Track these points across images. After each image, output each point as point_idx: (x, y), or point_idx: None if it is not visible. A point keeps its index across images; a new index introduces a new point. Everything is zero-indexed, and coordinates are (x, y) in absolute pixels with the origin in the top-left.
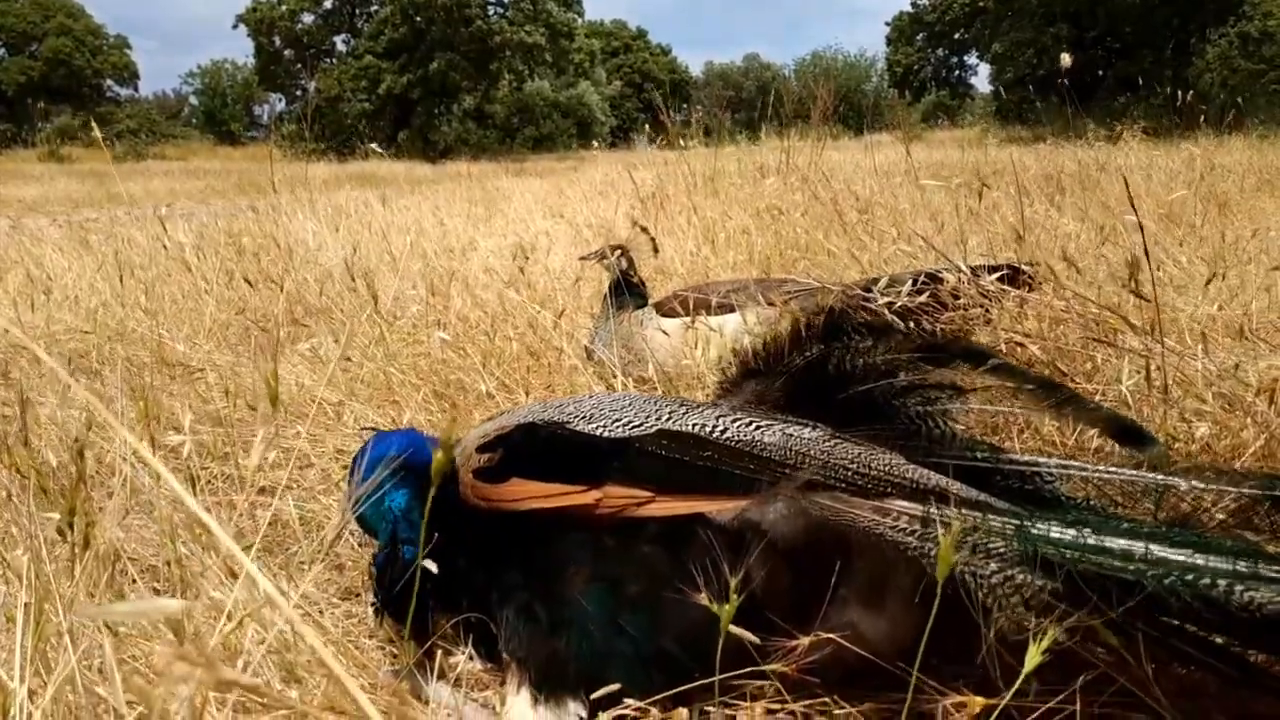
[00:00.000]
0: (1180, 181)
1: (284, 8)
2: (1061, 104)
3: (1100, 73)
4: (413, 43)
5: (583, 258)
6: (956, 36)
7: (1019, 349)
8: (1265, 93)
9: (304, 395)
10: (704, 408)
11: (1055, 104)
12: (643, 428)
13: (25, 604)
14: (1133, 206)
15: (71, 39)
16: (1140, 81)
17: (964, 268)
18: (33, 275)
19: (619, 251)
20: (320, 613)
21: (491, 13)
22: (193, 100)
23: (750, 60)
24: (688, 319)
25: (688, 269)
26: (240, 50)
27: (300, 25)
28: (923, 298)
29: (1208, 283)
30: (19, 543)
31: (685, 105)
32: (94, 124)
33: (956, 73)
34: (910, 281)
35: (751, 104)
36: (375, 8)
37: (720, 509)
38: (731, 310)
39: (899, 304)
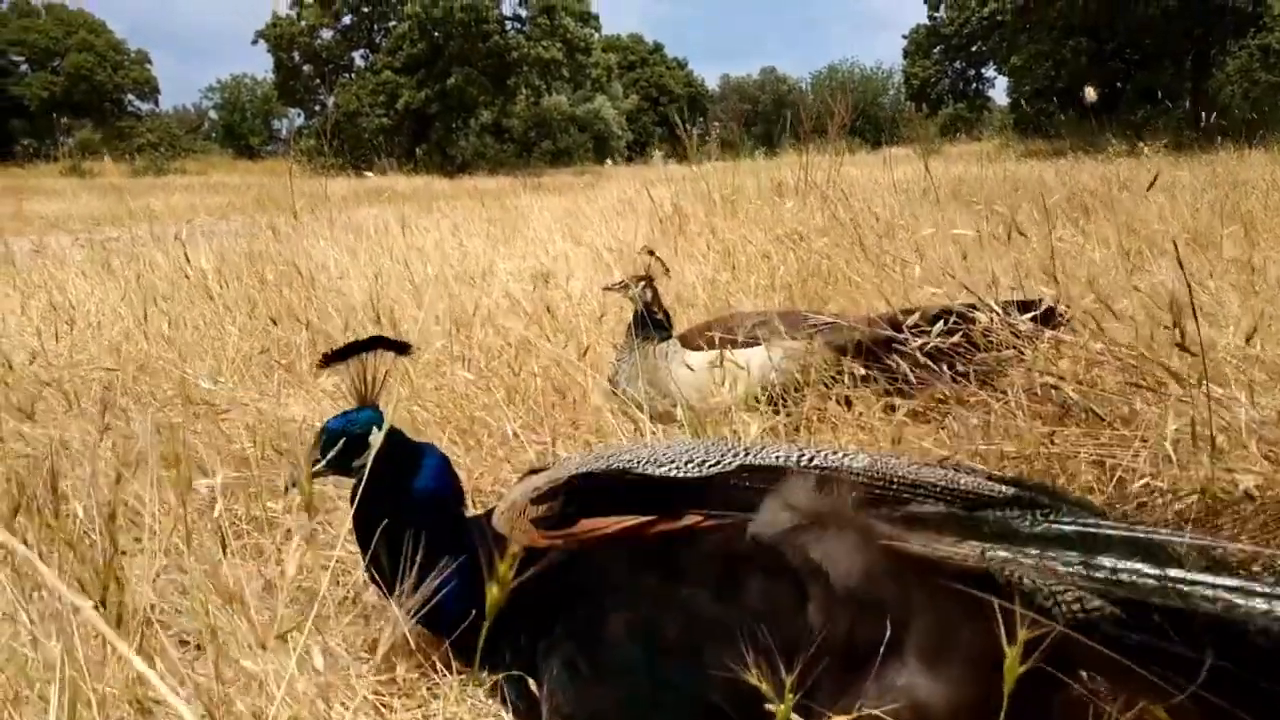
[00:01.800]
0: (1204, 200)
1: (303, 23)
2: (1080, 117)
3: (1119, 85)
4: (430, 58)
5: (606, 288)
6: (974, 49)
7: (1053, 390)
8: None
9: None
10: (775, 446)
11: (1074, 117)
12: (721, 465)
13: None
14: (1180, 263)
15: (93, 54)
16: (1160, 94)
17: (995, 306)
18: (56, 302)
19: (643, 283)
20: (349, 675)
21: (509, 28)
22: (212, 114)
23: (767, 74)
24: (713, 354)
25: (708, 295)
26: (259, 65)
27: (319, 41)
28: (954, 338)
29: (1248, 339)
30: (49, 624)
31: (701, 119)
32: (116, 141)
33: (974, 86)
34: (940, 321)
35: (768, 117)
36: (393, 23)
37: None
38: (757, 344)
39: (929, 345)
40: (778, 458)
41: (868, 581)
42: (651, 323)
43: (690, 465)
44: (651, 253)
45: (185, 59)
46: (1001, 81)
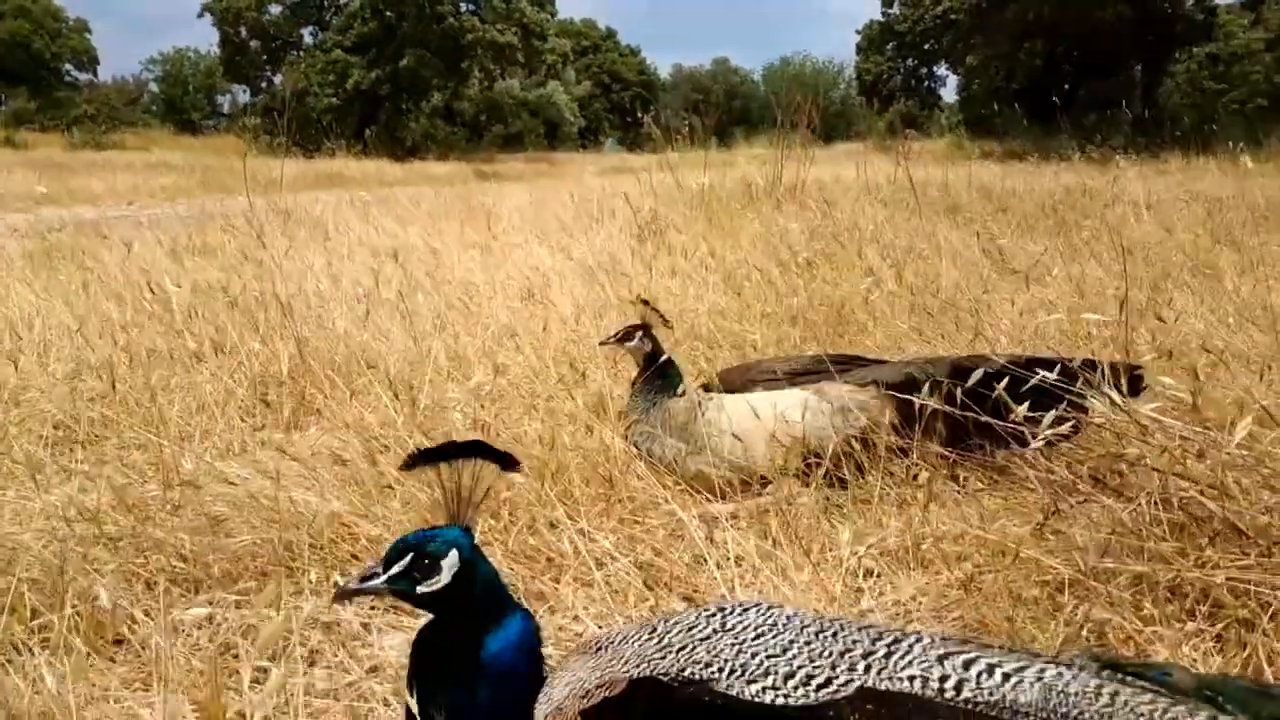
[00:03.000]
0: (1183, 218)
1: None
2: (1031, 119)
3: (1067, 88)
4: (382, 38)
5: (603, 343)
6: (927, 47)
7: (1193, 503)
8: (1227, 112)
9: (337, 527)
10: (906, 639)
11: (1023, 118)
12: (835, 684)
13: None
14: None
15: (29, 21)
16: (1110, 100)
17: (1108, 388)
18: None
19: (640, 331)
20: None
21: (464, 10)
22: (153, 87)
23: (719, 64)
24: (756, 399)
25: (714, 325)
26: (204, 39)
27: (267, 16)
28: (1064, 427)
29: None
30: None
31: (652, 107)
32: (52, 111)
33: (926, 84)
34: (1052, 415)
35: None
36: (345, 2)
37: None
38: (804, 391)
39: (1041, 437)
40: (912, 679)
41: None
42: (660, 372)
43: (790, 680)
44: (646, 303)
45: (126, 29)
46: (953, 80)
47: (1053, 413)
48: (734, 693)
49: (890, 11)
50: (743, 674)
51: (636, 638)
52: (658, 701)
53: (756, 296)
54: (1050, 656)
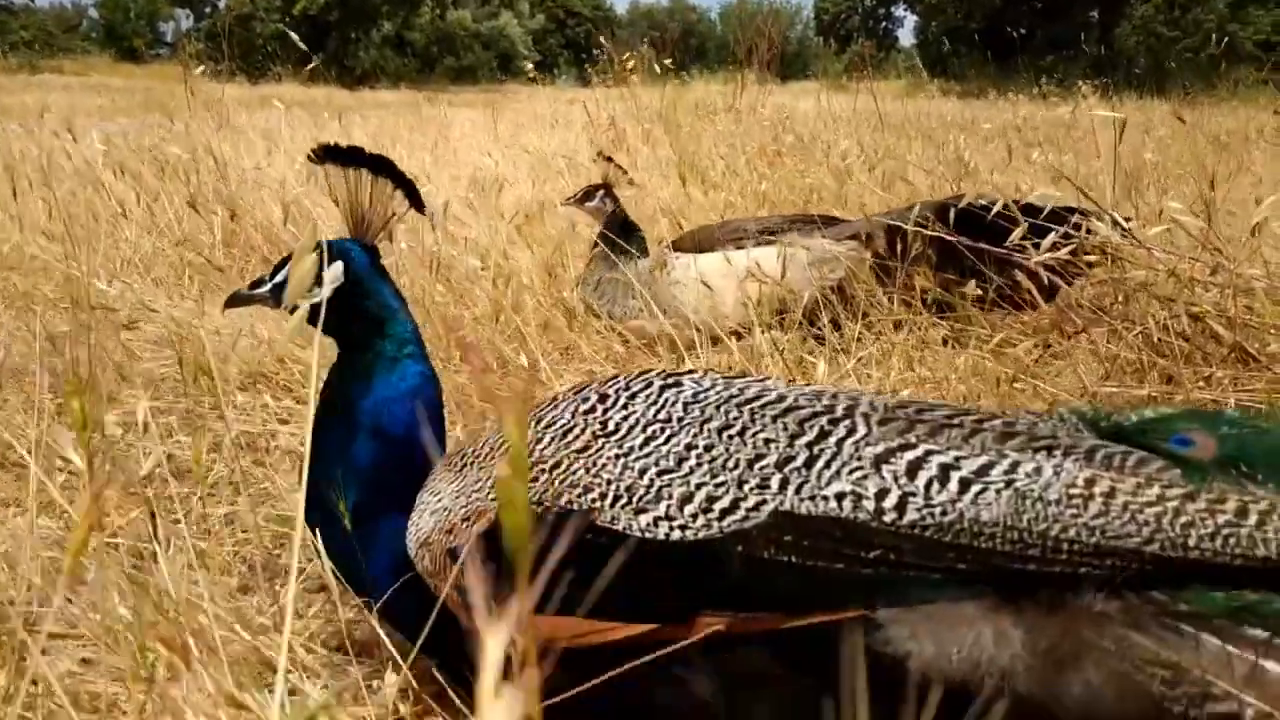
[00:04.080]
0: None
1: None
2: (986, 59)
3: (1024, 30)
4: None
5: (564, 202)
6: None
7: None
8: (1179, 58)
9: (266, 354)
10: (835, 428)
11: (981, 59)
12: (743, 508)
13: None
14: None
15: None
16: (1067, 42)
17: (1111, 213)
18: None
19: (601, 190)
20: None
21: None
22: (92, 13)
23: (676, 2)
24: (730, 253)
25: (679, 213)
26: None
27: None
28: (1062, 252)
29: None
30: None
31: (606, 41)
32: None
33: (884, 24)
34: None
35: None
36: None
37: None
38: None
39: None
40: (840, 497)
41: None
42: (624, 233)
43: (689, 506)
44: (609, 159)
45: None
46: (910, 21)
47: (1051, 235)
48: (620, 527)
49: None
50: (630, 500)
51: (501, 449)
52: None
53: (721, 187)
54: (1032, 423)
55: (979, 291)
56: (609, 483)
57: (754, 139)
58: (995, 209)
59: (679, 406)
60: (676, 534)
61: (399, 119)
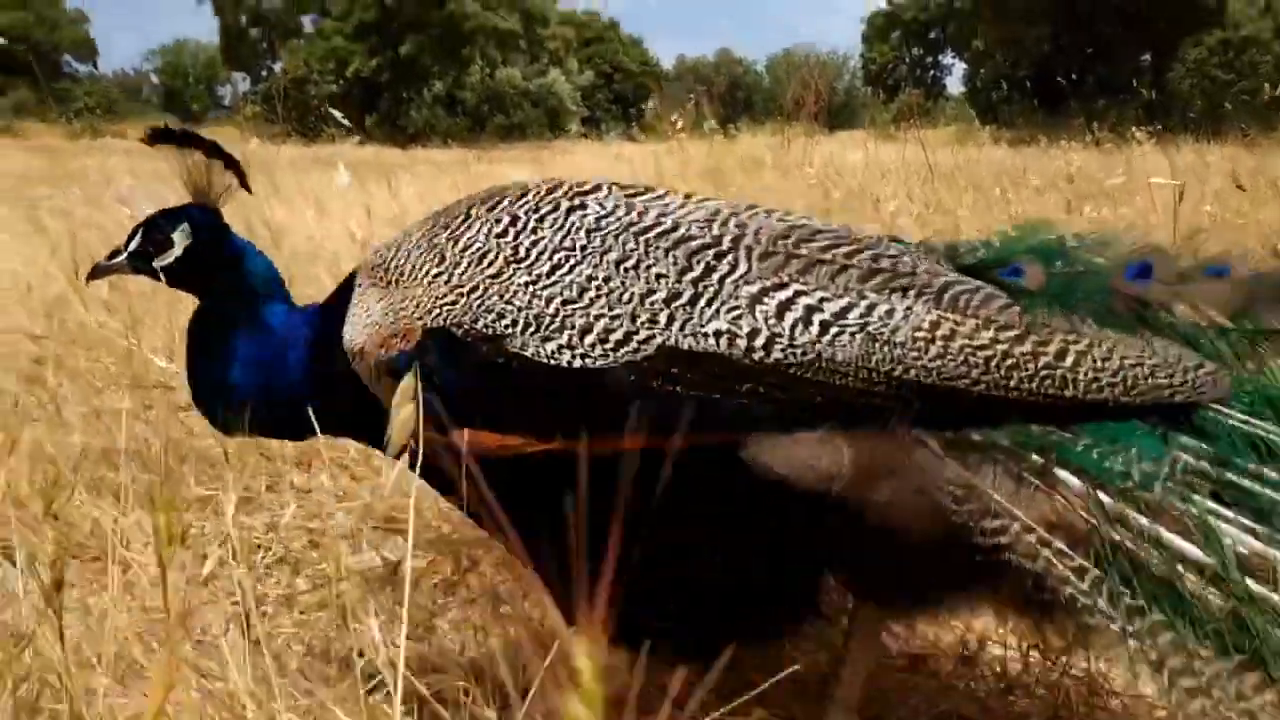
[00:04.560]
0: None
1: None
2: (1036, 105)
3: (1074, 74)
4: (383, 25)
5: None
6: (932, 36)
7: None
8: (1236, 101)
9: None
10: (722, 261)
11: (1031, 105)
12: (635, 341)
13: None
14: None
15: (29, 12)
16: (1118, 86)
17: None
18: None
19: None
20: None
21: None
22: (153, 79)
23: (722, 55)
24: None
25: None
26: (203, 29)
27: (267, 4)
28: None
29: None
30: None
31: (655, 98)
32: (52, 102)
33: (932, 72)
34: None
35: (723, 99)
36: None
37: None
38: None
39: None
40: (718, 335)
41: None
42: None
43: (589, 336)
44: None
45: (126, 20)
46: (959, 69)
47: None
48: (529, 353)
49: (896, 0)
50: (537, 328)
51: (425, 270)
52: (452, 357)
53: None
54: (896, 257)
55: None
56: (519, 310)
57: (803, 195)
58: None
59: (582, 234)
60: (578, 362)
61: (448, 178)
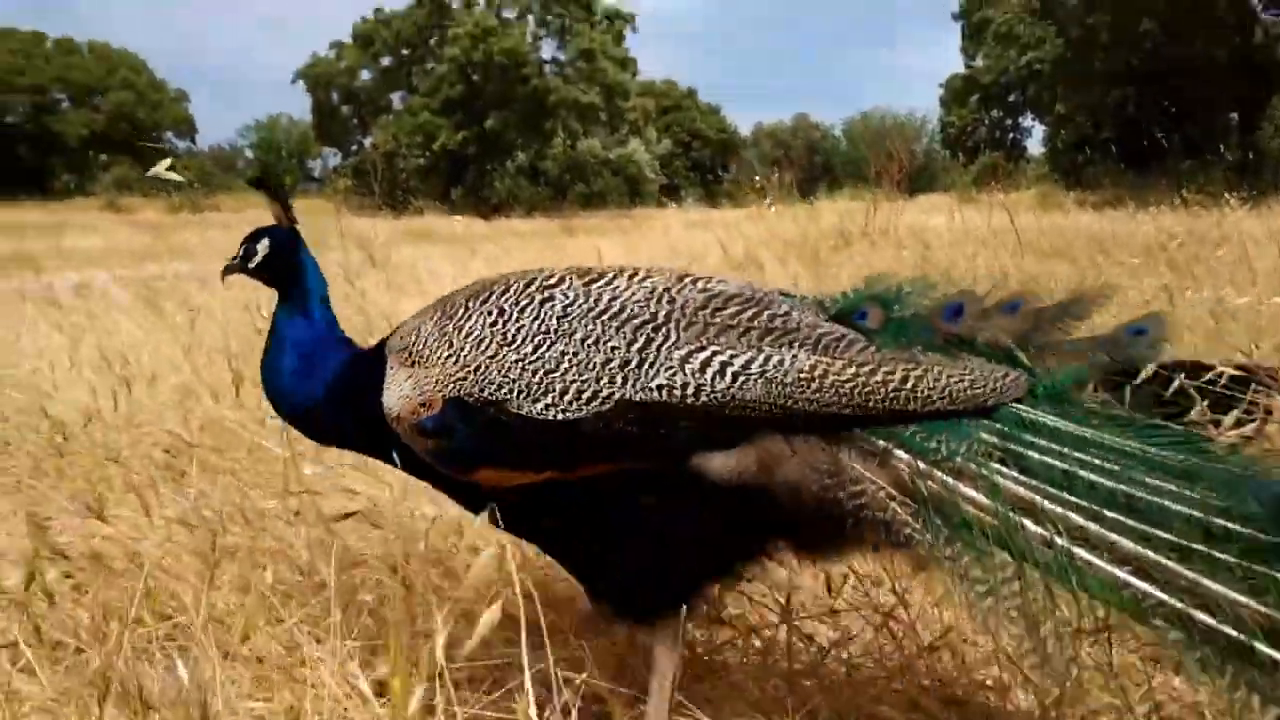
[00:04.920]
0: None
1: (343, 64)
2: (1121, 167)
3: (1160, 135)
4: (468, 100)
5: None
6: (1011, 99)
7: None
8: None
9: (453, 538)
10: (658, 335)
11: (1116, 167)
12: (600, 397)
13: None
14: None
15: (133, 92)
16: (1205, 146)
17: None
18: (105, 348)
19: None
20: None
21: (548, 71)
22: (248, 153)
23: (799, 120)
24: None
25: None
26: (296, 105)
27: (358, 82)
28: (1248, 428)
29: None
30: None
31: (734, 165)
32: (164, 167)
33: (1011, 135)
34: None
35: (801, 164)
36: (432, 66)
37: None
38: None
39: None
40: (660, 389)
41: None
42: None
43: (566, 396)
44: None
45: (223, 98)
46: (1039, 131)
47: (1234, 411)
48: (524, 411)
49: (974, 64)
50: (529, 394)
51: (438, 352)
52: (468, 419)
53: None
54: (785, 314)
55: None
56: (514, 381)
57: (894, 274)
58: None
59: (554, 320)
60: (560, 415)
61: (539, 254)
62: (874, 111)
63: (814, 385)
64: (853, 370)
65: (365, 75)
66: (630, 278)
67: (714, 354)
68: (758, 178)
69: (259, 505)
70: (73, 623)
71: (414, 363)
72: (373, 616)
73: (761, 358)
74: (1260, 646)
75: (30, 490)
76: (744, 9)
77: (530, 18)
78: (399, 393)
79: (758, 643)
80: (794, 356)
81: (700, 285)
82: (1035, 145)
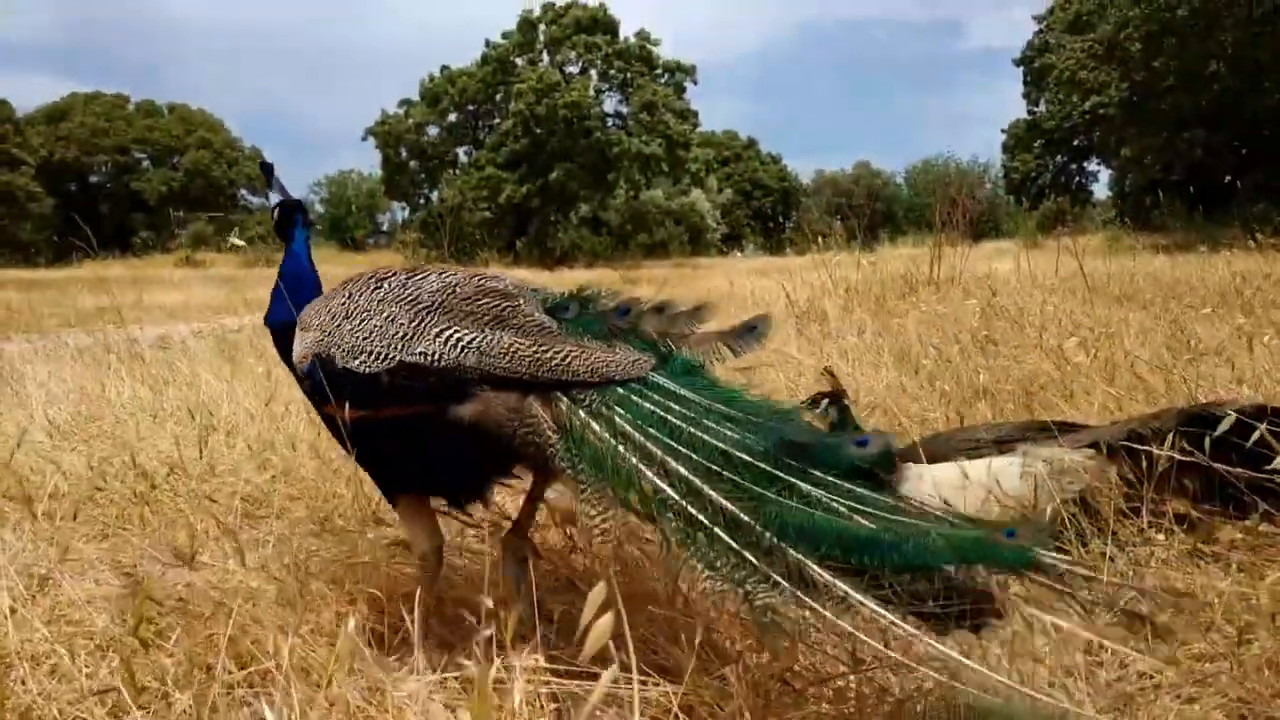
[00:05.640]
0: None
1: (411, 121)
2: (1193, 210)
3: (1230, 177)
4: (532, 154)
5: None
6: (1076, 143)
7: None
8: None
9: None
10: (429, 308)
11: (1187, 209)
12: (386, 358)
13: None
14: None
15: (210, 151)
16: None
17: None
18: (187, 400)
19: (827, 399)
20: None
21: (610, 124)
22: (319, 208)
23: (860, 167)
24: (965, 464)
25: (894, 404)
26: (365, 161)
27: (425, 138)
28: None
29: None
30: None
31: (795, 213)
32: (227, 233)
33: (1076, 179)
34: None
35: (861, 212)
36: (497, 121)
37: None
38: (1008, 453)
39: None
40: (423, 354)
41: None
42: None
43: (369, 357)
44: (831, 373)
45: (296, 155)
46: (1105, 175)
47: None
48: (343, 366)
49: (1036, 109)
50: (352, 354)
51: (314, 322)
52: (322, 368)
53: (935, 374)
54: (516, 307)
55: (1245, 530)
56: (344, 345)
57: (962, 322)
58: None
59: (375, 302)
60: (365, 370)
61: None
62: (935, 158)
63: (506, 357)
64: (535, 349)
65: (432, 131)
66: (440, 275)
67: (454, 332)
68: (820, 225)
69: (334, 552)
70: (159, 668)
71: (304, 329)
72: (461, 654)
73: (481, 336)
74: (718, 531)
75: (116, 537)
76: (806, 58)
77: (593, 72)
78: (297, 346)
79: (829, 693)
80: (500, 336)
81: (476, 283)
82: (1101, 189)
